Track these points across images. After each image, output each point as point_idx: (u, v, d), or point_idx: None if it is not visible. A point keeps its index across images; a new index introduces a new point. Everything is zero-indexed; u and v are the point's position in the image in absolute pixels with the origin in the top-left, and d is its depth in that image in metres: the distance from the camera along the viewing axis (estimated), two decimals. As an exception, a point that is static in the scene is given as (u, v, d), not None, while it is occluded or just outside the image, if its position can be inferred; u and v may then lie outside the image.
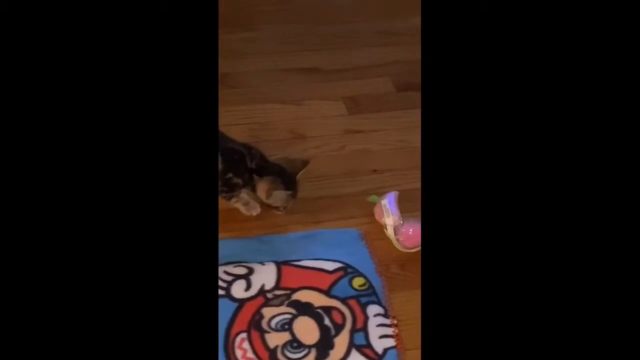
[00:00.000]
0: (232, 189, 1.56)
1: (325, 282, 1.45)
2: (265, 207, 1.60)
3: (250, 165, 1.56)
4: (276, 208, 1.58)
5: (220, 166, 1.51)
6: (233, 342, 1.33)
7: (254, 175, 1.56)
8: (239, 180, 1.55)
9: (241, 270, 1.46)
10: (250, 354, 1.32)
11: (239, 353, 1.32)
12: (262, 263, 1.47)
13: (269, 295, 1.41)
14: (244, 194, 1.59)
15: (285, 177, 1.56)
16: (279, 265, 1.47)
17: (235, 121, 1.83)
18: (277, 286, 1.43)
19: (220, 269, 1.45)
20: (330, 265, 1.48)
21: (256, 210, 1.59)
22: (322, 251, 1.51)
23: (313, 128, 1.85)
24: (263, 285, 1.43)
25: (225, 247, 1.50)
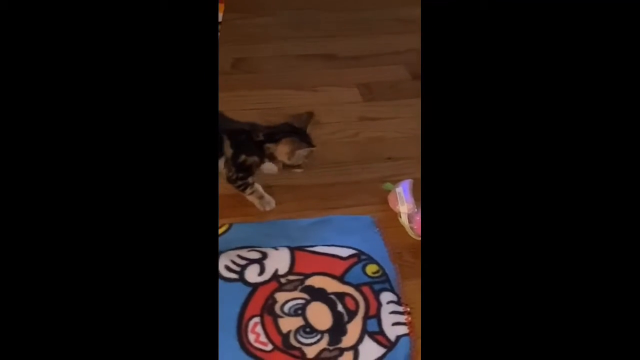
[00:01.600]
0: (249, 171, 1.54)
1: (338, 268, 1.45)
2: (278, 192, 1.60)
3: (258, 138, 1.53)
4: (297, 167, 1.56)
5: (230, 151, 1.51)
6: (246, 326, 1.33)
7: (267, 145, 1.53)
8: (254, 159, 1.53)
9: (255, 255, 1.45)
10: (263, 338, 1.32)
11: (251, 337, 1.32)
12: (275, 248, 1.47)
13: (283, 280, 1.41)
14: (258, 187, 1.58)
15: (300, 133, 1.55)
16: (292, 250, 1.47)
17: (249, 106, 1.83)
18: (290, 271, 1.43)
19: (234, 253, 1.45)
20: (343, 252, 1.48)
21: (270, 206, 1.58)
22: (336, 237, 1.51)
23: (327, 114, 1.84)
24: (277, 270, 1.43)
25: (239, 231, 1.51)
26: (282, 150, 1.53)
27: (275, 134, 1.54)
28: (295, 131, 1.55)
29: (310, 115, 1.57)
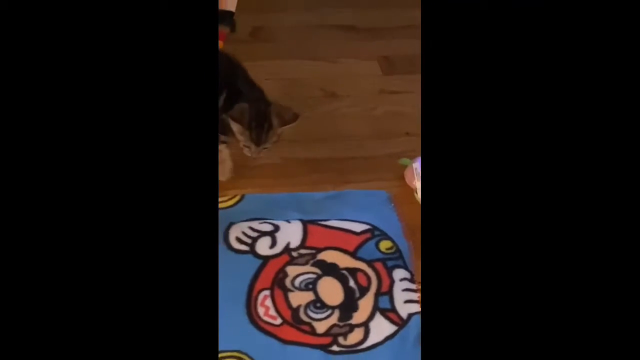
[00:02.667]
0: (223, 130, 1.45)
1: (351, 243, 1.42)
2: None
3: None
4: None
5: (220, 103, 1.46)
6: (256, 299, 1.31)
7: (224, 115, 1.43)
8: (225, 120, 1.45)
9: (267, 227, 1.43)
10: (272, 312, 1.30)
11: (261, 310, 1.30)
12: (288, 221, 1.45)
13: (294, 254, 1.39)
14: (224, 149, 1.50)
15: (260, 117, 1.42)
16: (305, 223, 1.44)
17: (266, 76, 1.78)
18: (302, 245, 1.41)
19: (245, 225, 1.43)
20: (357, 227, 1.45)
21: (224, 176, 1.52)
22: (350, 212, 1.48)
23: (345, 87, 1.80)
24: (288, 244, 1.41)
25: (251, 202, 1.49)
26: (234, 126, 1.44)
27: (241, 93, 1.45)
28: (259, 112, 1.43)
29: (295, 117, 1.45)
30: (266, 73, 1.79)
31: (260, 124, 1.41)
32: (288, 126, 1.44)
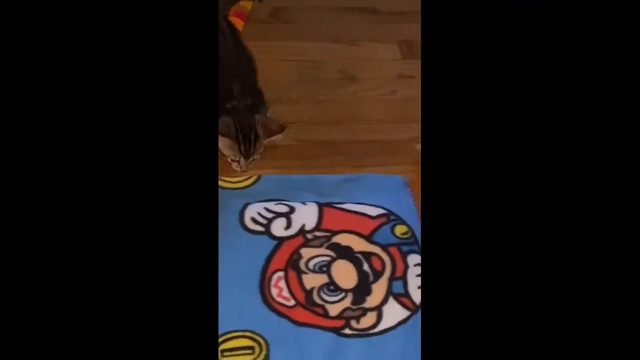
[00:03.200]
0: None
1: (367, 227, 1.41)
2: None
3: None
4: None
5: None
6: (269, 280, 1.31)
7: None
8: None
9: (282, 208, 1.43)
10: (285, 293, 1.30)
11: (274, 291, 1.30)
12: (303, 203, 1.44)
13: (309, 236, 1.39)
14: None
15: (245, 128, 1.42)
16: (320, 206, 1.44)
17: (285, 57, 1.78)
18: (317, 227, 1.40)
19: (261, 206, 1.43)
20: (373, 211, 1.45)
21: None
22: (366, 196, 1.47)
23: (365, 70, 1.79)
24: (303, 225, 1.40)
25: (267, 183, 1.48)
26: (221, 141, 1.43)
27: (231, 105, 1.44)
28: (242, 125, 1.43)
29: (281, 128, 1.45)
30: (285, 54, 1.79)
31: (247, 136, 1.41)
32: (274, 137, 1.44)
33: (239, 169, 1.46)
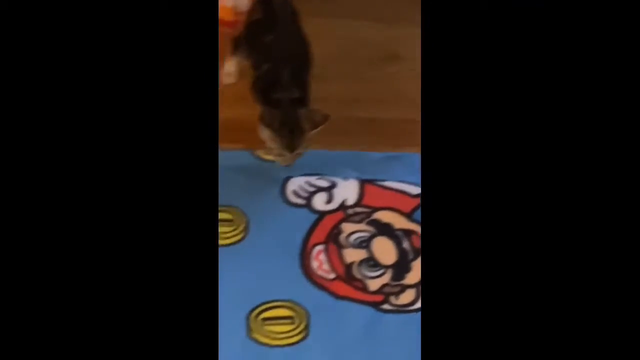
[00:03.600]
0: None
1: (407, 205, 1.42)
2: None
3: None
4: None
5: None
6: (310, 253, 1.32)
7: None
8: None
9: (324, 183, 1.43)
10: (325, 266, 1.31)
11: (314, 264, 1.31)
12: (345, 178, 1.45)
13: (350, 212, 1.39)
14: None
15: (290, 122, 1.36)
16: (362, 182, 1.44)
17: (326, 34, 1.77)
18: (358, 203, 1.41)
19: (302, 179, 1.43)
20: (413, 189, 1.45)
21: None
22: (407, 174, 1.48)
23: (409, 49, 1.78)
24: (344, 201, 1.41)
25: (309, 158, 1.48)
26: (265, 132, 1.39)
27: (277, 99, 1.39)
28: (291, 117, 1.37)
29: (325, 118, 1.39)
30: (326, 31, 1.78)
31: (292, 130, 1.36)
32: (318, 129, 1.39)
33: (284, 163, 1.41)
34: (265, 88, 1.40)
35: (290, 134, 1.36)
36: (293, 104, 1.38)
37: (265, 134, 1.38)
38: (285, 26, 1.48)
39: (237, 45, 1.52)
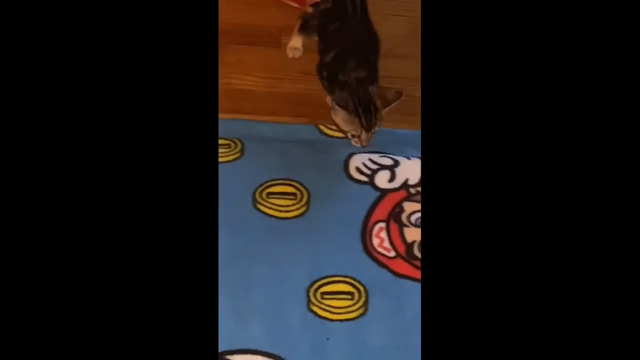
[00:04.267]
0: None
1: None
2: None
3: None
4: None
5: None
6: (371, 230, 1.32)
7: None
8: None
9: (387, 161, 1.43)
10: (386, 244, 1.30)
11: (375, 241, 1.30)
12: (407, 157, 1.44)
13: (412, 191, 1.38)
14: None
15: (364, 101, 1.37)
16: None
17: (397, 12, 1.76)
18: (420, 183, 1.40)
19: (366, 156, 1.43)
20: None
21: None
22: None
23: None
24: (407, 180, 1.40)
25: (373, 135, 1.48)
26: (339, 114, 1.40)
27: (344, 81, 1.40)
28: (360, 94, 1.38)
29: (398, 94, 1.40)
30: (397, 9, 1.76)
31: (367, 108, 1.36)
32: (392, 105, 1.39)
33: (359, 144, 1.41)
34: (330, 74, 1.42)
35: (366, 113, 1.36)
36: (361, 83, 1.38)
37: (339, 117, 1.39)
38: (354, 15, 1.48)
39: (305, 26, 1.54)
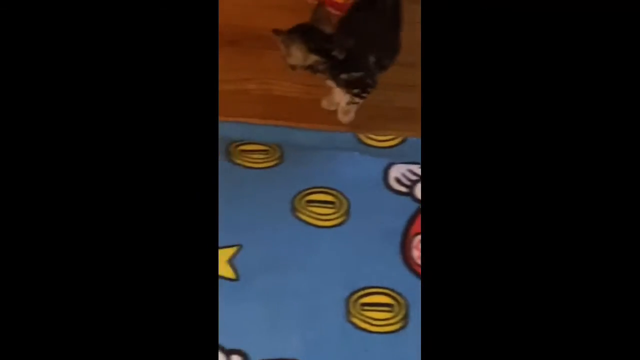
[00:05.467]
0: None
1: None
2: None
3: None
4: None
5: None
6: (411, 242, 1.30)
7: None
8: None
9: (427, 173, 1.41)
10: (426, 257, 1.28)
11: (415, 253, 1.28)
12: (447, 170, 1.42)
13: (452, 203, 1.36)
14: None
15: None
16: (466, 175, 1.41)
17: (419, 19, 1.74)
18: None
19: (405, 168, 1.41)
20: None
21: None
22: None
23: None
24: (447, 192, 1.38)
25: (413, 146, 1.46)
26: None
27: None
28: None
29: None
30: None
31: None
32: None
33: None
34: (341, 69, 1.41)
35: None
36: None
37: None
38: (385, 12, 1.47)
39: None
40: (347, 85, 1.43)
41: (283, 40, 1.37)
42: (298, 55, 1.37)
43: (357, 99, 1.45)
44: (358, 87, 1.43)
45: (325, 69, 1.40)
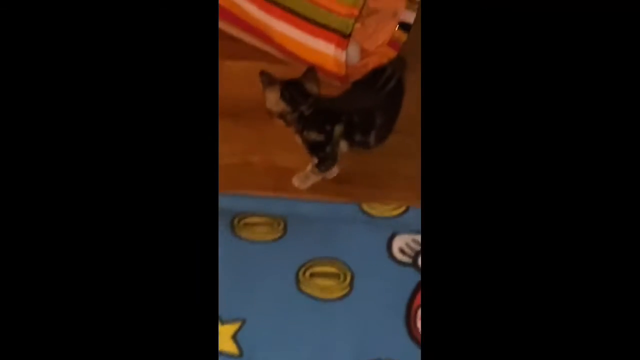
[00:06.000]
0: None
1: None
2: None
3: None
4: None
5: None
6: (415, 314, 1.29)
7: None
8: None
9: (430, 242, 1.41)
10: (432, 328, 1.28)
11: (420, 325, 1.28)
12: (451, 239, 1.42)
13: (456, 273, 1.36)
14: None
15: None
16: (469, 244, 1.41)
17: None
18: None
19: (409, 237, 1.41)
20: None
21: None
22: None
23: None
24: (451, 262, 1.38)
25: (417, 216, 1.46)
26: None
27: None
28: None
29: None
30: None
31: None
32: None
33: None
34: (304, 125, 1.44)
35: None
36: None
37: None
38: (385, 87, 1.49)
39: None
40: (309, 147, 1.45)
41: (263, 81, 1.43)
42: (271, 98, 1.43)
43: (317, 170, 1.48)
44: (317, 154, 1.45)
45: (292, 120, 1.44)
